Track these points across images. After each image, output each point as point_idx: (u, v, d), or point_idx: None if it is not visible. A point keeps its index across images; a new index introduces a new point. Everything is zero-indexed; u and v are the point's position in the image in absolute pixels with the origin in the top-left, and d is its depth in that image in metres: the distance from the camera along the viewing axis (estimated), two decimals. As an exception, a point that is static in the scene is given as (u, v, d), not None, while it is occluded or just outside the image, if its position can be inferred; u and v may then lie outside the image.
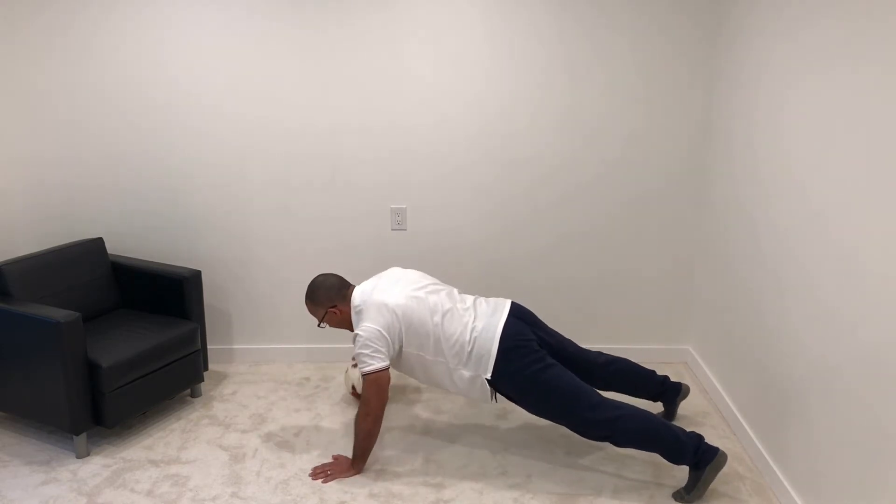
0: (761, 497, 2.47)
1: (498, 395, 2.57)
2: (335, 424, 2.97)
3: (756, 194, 2.70)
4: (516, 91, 3.21)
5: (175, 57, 3.18)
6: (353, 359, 2.71)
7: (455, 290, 2.69)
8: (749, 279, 2.76)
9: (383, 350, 2.50)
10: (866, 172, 1.95)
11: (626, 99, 3.21)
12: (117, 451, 2.76)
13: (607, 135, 3.26)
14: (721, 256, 3.09)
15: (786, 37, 2.46)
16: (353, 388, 3.07)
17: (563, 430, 2.86)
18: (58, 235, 3.40)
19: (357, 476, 2.59)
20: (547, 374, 2.47)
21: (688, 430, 2.47)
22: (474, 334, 2.51)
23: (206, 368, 3.23)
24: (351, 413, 3.04)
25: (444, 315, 2.54)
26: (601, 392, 2.66)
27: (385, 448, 2.78)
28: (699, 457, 2.38)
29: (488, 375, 2.50)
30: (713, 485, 2.50)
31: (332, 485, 2.54)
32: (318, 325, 2.71)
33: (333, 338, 3.52)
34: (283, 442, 2.84)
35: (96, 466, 2.66)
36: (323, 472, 2.60)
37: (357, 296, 2.62)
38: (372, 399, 2.49)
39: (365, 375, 2.50)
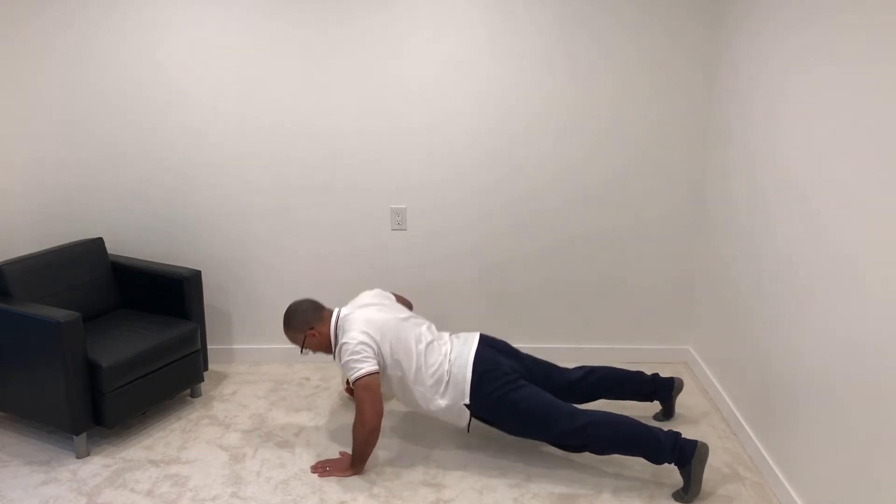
0: (761, 497, 2.47)
1: (472, 423, 2.64)
2: (335, 424, 2.97)
3: (755, 195, 2.70)
4: (517, 91, 3.21)
5: (175, 57, 3.18)
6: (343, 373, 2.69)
7: (433, 325, 2.78)
8: (749, 279, 2.76)
9: (371, 356, 2.51)
10: (866, 174, 1.95)
11: (628, 99, 3.20)
12: (117, 451, 2.77)
13: (608, 135, 3.26)
14: (721, 257, 3.09)
15: (789, 35, 2.46)
16: (347, 382, 3.05)
17: (563, 430, 2.86)
18: (58, 235, 3.40)
19: (356, 476, 2.60)
20: (517, 393, 2.53)
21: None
22: (451, 363, 2.59)
23: (206, 368, 3.23)
24: (351, 413, 3.04)
25: (427, 345, 2.62)
26: (591, 405, 2.67)
27: (385, 448, 2.78)
28: (678, 453, 2.38)
29: (466, 401, 2.57)
30: (713, 485, 2.51)
31: (332, 485, 2.54)
32: (301, 352, 2.74)
33: (333, 338, 3.52)
34: (283, 442, 2.84)
35: (96, 466, 2.66)
36: (322, 468, 2.62)
37: (337, 314, 2.68)
38: (366, 406, 2.46)
39: (355, 382, 2.49)
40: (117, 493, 2.50)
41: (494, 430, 2.91)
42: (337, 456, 2.72)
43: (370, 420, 2.45)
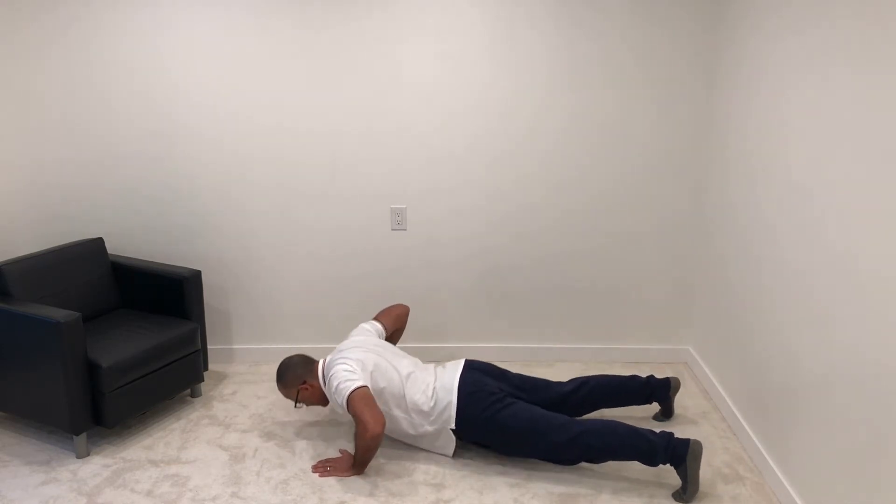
0: (761, 497, 2.47)
1: (455, 449, 2.68)
2: (335, 424, 2.97)
3: (755, 196, 2.70)
4: (517, 92, 3.21)
5: (175, 57, 3.18)
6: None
7: (418, 360, 2.83)
8: (749, 279, 2.77)
9: (359, 374, 2.57)
10: (866, 174, 1.95)
11: (628, 101, 3.20)
12: (117, 451, 2.77)
13: (609, 136, 3.26)
14: (721, 257, 3.09)
15: (789, 35, 2.46)
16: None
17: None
18: (58, 235, 3.40)
19: (357, 476, 2.60)
20: (506, 411, 2.56)
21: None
22: (435, 391, 2.64)
23: (206, 368, 3.23)
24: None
25: (408, 377, 2.68)
26: (588, 416, 2.67)
27: (385, 448, 2.78)
28: (672, 452, 2.39)
29: (452, 426, 2.60)
30: (713, 485, 2.51)
31: (333, 485, 2.54)
32: (295, 406, 2.83)
33: (334, 338, 3.52)
34: (283, 442, 2.84)
35: (96, 466, 2.66)
36: (323, 468, 2.62)
37: (323, 363, 2.75)
38: (365, 415, 2.45)
39: (349, 398, 2.49)
40: (117, 493, 2.50)
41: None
42: (337, 455, 2.72)
43: (372, 427, 2.44)
